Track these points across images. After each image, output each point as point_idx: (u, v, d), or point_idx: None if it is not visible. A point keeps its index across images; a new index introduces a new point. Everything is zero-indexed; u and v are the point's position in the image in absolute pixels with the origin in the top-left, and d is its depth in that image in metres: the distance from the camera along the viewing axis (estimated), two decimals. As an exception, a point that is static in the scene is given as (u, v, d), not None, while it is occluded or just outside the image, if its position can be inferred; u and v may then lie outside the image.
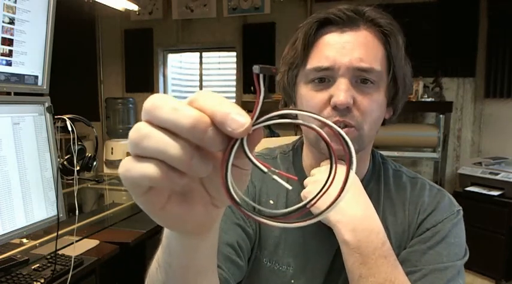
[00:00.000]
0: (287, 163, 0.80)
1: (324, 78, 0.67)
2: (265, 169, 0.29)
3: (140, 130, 0.27)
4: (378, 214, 0.66)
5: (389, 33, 0.67)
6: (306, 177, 0.74)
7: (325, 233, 0.69)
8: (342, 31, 0.66)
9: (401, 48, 0.69)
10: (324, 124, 0.29)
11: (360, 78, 0.66)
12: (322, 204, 0.29)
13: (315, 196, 0.30)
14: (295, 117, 0.29)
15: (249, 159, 0.29)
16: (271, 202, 0.75)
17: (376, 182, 0.77)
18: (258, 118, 0.29)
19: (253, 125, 0.28)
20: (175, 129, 0.26)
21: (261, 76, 0.28)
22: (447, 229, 0.69)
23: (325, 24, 0.68)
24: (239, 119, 0.26)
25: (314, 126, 0.30)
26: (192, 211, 0.32)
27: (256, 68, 0.28)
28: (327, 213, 0.29)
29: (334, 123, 0.66)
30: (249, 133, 0.28)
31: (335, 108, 0.65)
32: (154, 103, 0.28)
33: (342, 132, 0.29)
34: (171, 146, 0.26)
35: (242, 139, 0.28)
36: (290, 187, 0.30)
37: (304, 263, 0.73)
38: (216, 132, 0.26)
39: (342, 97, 0.63)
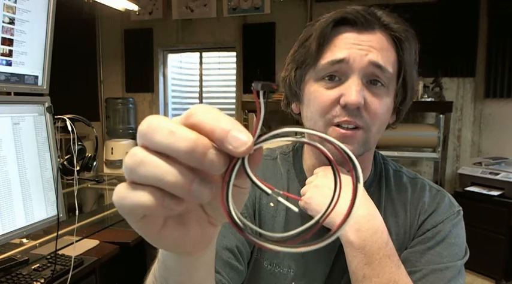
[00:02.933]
0: (287, 164, 0.80)
1: (335, 76, 0.66)
2: (269, 191, 0.28)
3: (135, 155, 0.26)
4: None
5: (403, 39, 0.67)
6: (306, 178, 0.74)
7: (326, 235, 0.69)
8: (359, 31, 0.65)
9: (413, 55, 0.69)
10: (327, 141, 0.28)
11: (372, 79, 0.65)
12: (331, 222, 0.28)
13: (321, 216, 0.29)
14: (296, 134, 0.28)
15: (251, 180, 0.27)
16: (271, 204, 0.75)
17: (377, 183, 0.76)
18: (258, 136, 0.27)
19: (255, 143, 0.27)
20: (173, 154, 0.25)
21: (261, 92, 0.27)
22: (447, 230, 0.69)
23: (341, 24, 0.66)
24: (240, 137, 0.25)
25: (318, 144, 0.29)
26: (188, 232, 0.31)
27: (257, 85, 0.27)
28: (338, 234, 0.27)
29: (343, 122, 0.65)
30: (250, 153, 0.26)
31: (345, 107, 0.63)
32: (149, 126, 0.26)
33: (347, 149, 0.28)
34: (168, 172, 0.25)
35: (243, 159, 0.27)
36: (297, 210, 0.29)
37: (305, 265, 0.73)
38: (216, 153, 0.25)
39: (353, 97, 0.62)
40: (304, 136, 0.66)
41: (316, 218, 0.29)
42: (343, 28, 0.66)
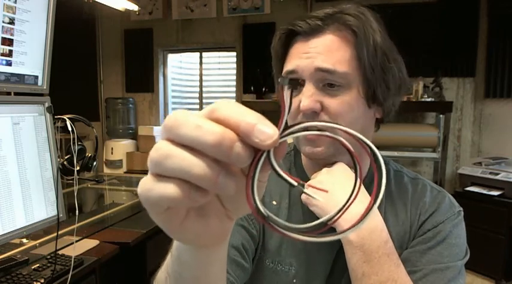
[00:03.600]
0: (288, 162, 0.81)
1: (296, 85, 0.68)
2: (295, 183, 0.28)
3: (161, 149, 0.26)
4: None
5: (356, 33, 0.66)
6: (307, 177, 0.74)
7: (327, 232, 0.69)
8: (307, 39, 0.68)
9: (376, 46, 0.66)
10: (351, 136, 0.28)
11: (326, 82, 0.66)
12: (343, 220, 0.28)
13: (340, 210, 0.29)
14: (320, 128, 0.28)
15: (277, 172, 0.27)
16: (274, 203, 0.75)
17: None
18: (283, 130, 0.28)
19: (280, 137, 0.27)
20: (199, 147, 0.25)
21: (286, 88, 0.27)
22: (448, 230, 0.69)
23: (295, 34, 0.70)
24: (267, 130, 0.25)
25: (341, 138, 0.29)
26: (208, 224, 0.32)
27: (284, 81, 0.27)
28: (355, 229, 0.27)
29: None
30: (275, 146, 0.26)
31: (304, 113, 0.66)
32: (176, 120, 0.26)
33: (370, 143, 0.28)
34: (195, 165, 0.25)
35: (269, 152, 0.27)
36: (322, 199, 0.29)
37: (306, 263, 0.73)
38: (243, 146, 0.25)
39: (305, 103, 0.64)
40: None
41: (334, 212, 0.29)
42: (296, 37, 0.70)
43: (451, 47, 3.64)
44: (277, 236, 0.74)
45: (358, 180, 0.28)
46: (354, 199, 0.28)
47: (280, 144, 0.27)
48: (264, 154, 0.27)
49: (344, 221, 0.28)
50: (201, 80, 4.70)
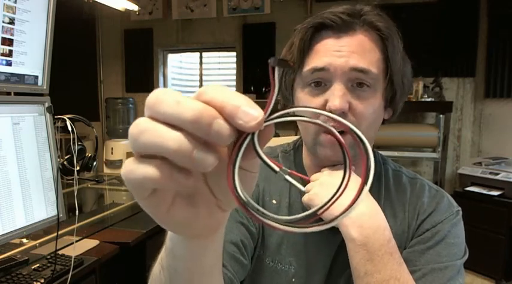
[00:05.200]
0: (288, 162, 0.81)
1: (320, 82, 0.67)
2: (277, 169, 0.27)
3: (139, 125, 0.26)
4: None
5: (386, 36, 0.67)
6: (307, 176, 0.74)
7: (326, 231, 0.69)
8: (338, 36, 0.66)
9: (399, 50, 0.68)
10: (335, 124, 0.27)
11: (356, 82, 0.66)
12: (333, 209, 0.27)
13: (329, 201, 0.28)
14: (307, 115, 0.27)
15: (259, 156, 0.26)
16: (274, 201, 0.75)
17: (376, 183, 0.76)
18: (270, 114, 0.26)
19: (265, 121, 0.26)
20: (177, 123, 0.25)
21: (277, 70, 0.26)
22: (446, 230, 0.69)
23: (321, 29, 0.67)
24: (251, 112, 0.25)
25: (329, 126, 0.28)
26: (197, 214, 0.31)
27: (272, 61, 0.25)
28: (341, 219, 0.26)
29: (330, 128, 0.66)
30: (260, 129, 0.26)
31: (330, 113, 0.65)
32: (156, 98, 0.26)
33: (359, 133, 0.27)
34: (169, 139, 0.24)
35: (253, 135, 0.26)
36: (303, 189, 0.28)
37: (305, 262, 0.73)
38: (223, 124, 0.25)
39: (336, 103, 0.63)
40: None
41: (320, 205, 0.28)
42: (323, 33, 0.67)
43: (451, 47, 3.64)
44: (278, 234, 0.74)
45: (348, 169, 0.27)
46: (345, 188, 0.27)
47: (265, 127, 0.26)
48: (248, 137, 0.26)
49: (335, 212, 0.27)
50: (201, 80, 4.70)
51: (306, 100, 0.68)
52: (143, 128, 0.26)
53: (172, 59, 4.81)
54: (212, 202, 0.32)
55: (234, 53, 4.41)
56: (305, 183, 0.71)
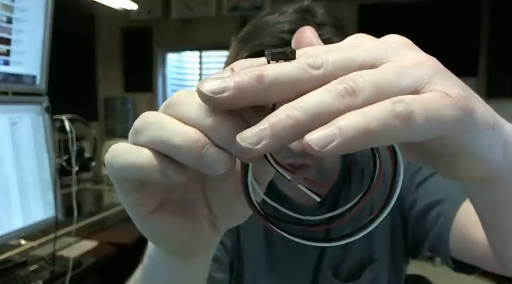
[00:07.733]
0: None
1: None
2: (289, 177, 0.23)
3: (150, 116, 0.24)
4: (368, 202, 0.63)
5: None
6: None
7: (305, 247, 0.67)
8: None
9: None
10: None
11: None
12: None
13: (358, 201, 0.24)
14: None
15: (269, 161, 0.23)
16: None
17: (352, 174, 0.72)
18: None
19: None
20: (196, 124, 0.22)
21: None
22: (429, 171, 0.66)
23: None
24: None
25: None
26: (184, 225, 0.27)
27: (268, 54, 0.23)
28: (374, 226, 0.22)
29: (288, 165, 0.62)
30: None
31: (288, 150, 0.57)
32: (179, 98, 0.24)
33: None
34: (178, 133, 0.22)
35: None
36: (318, 199, 0.23)
37: (286, 278, 0.71)
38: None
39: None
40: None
41: (352, 203, 0.24)
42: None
43: (451, 46, 3.64)
44: (254, 248, 0.71)
45: (378, 169, 0.23)
46: (375, 189, 0.23)
47: None
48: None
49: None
50: (200, 79, 4.69)
51: None
52: (153, 120, 0.23)
53: (172, 58, 4.80)
54: (205, 217, 0.29)
55: (234, 53, 4.41)
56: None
